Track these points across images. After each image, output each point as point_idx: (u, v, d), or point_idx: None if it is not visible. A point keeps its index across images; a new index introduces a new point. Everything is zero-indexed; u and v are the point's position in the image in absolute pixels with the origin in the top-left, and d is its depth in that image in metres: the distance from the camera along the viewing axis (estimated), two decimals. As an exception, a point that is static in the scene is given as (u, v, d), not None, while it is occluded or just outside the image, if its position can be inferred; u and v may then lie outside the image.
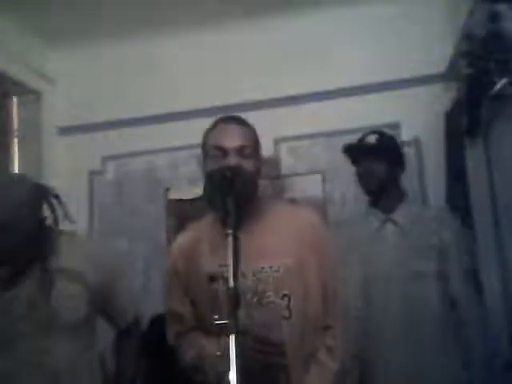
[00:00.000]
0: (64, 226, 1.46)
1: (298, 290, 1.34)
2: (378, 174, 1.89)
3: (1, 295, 1.36)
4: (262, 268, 1.32)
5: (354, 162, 2.00)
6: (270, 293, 1.31)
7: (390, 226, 1.90)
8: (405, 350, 1.76)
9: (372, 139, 1.93)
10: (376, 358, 1.80)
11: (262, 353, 1.21)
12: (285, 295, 1.32)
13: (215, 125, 1.41)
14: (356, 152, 1.98)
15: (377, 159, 1.89)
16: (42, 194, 1.41)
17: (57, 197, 1.44)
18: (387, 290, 1.81)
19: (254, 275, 1.29)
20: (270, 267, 1.33)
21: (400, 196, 1.94)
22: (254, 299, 1.29)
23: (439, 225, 1.86)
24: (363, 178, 1.94)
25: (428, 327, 1.77)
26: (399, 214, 1.89)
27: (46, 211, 1.43)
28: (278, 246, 1.35)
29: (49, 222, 1.43)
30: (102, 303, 1.50)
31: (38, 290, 1.35)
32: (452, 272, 1.79)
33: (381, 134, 1.96)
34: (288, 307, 1.32)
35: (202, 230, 1.47)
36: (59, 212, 1.43)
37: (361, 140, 1.97)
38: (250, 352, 1.15)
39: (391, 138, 2.00)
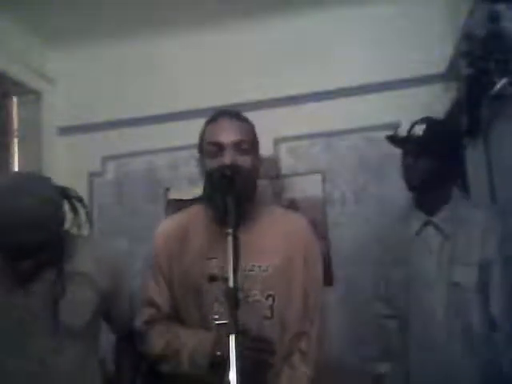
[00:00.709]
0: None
1: (283, 292, 1.35)
2: (423, 170, 1.69)
3: (18, 290, 1.35)
4: (252, 266, 1.33)
5: (402, 154, 1.79)
6: (255, 291, 1.33)
7: (430, 229, 1.72)
8: (435, 355, 1.64)
9: (420, 130, 1.71)
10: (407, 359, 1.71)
11: (254, 350, 1.21)
12: (269, 295, 1.33)
13: (211, 121, 1.41)
14: (400, 143, 1.79)
15: (423, 153, 1.68)
16: (66, 197, 1.41)
17: (81, 200, 1.44)
18: (423, 295, 1.68)
19: (242, 272, 1.27)
20: (259, 267, 1.34)
21: (446, 196, 1.74)
22: (240, 295, 1.30)
23: (485, 233, 1.65)
24: (407, 173, 1.74)
25: (463, 338, 1.62)
26: (441, 217, 1.71)
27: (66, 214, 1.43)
28: (268, 247, 1.37)
29: (68, 224, 1.43)
30: (107, 307, 1.50)
31: (52, 291, 1.35)
32: (493, 287, 1.61)
33: (431, 124, 1.72)
34: (271, 307, 1.33)
35: (188, 221, 1.46)
36: (82, 215, 1.43)
37: (408, 130, 1.75)
38: (244, 350, 1.14)
39: (443, 130, 1.77)
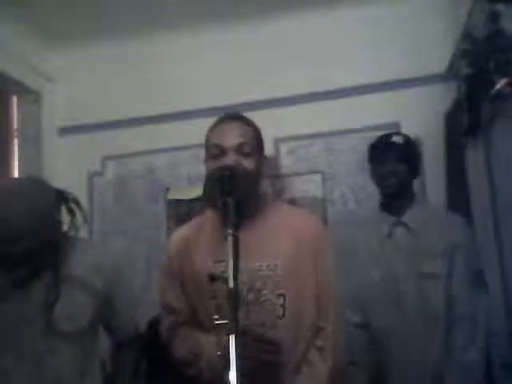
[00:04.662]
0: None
1: (294, 291, 1.34)
2: (401, 176, 1.87)
3: (13, 294, 1.35)
4: (260, 266, 1.33)
5: (376, 161, 1.96)
6: (266, 291, 1.32)
7: (399, 230, 1.88)
8: (415, 348, 1.77)
9: (399, 139, 1.92)
10: (388, 357, 1.82)
11: (260, 351, 1.21)
12: (280, 294, 1.33)
13: (215, 124, 1.42)
14: (382, 151, 1.93)
15: (402, 161, 1.87)
16: (63, 200, 1.41)
17: (77, 203, 1.44)
18: (399, 290, 1.81)
19: (251, 272, 1.30)
20: (268, 265, 1.33)
21: (410, 198, 1.92)
22: (250, 296, 1.30)
23: (449, 226, 1.86)
24: (385, 179, 1.90)
25: (435, 327, 1.77)
26: (410, 217, 1.87)
27: (64, 216, 1.43)
28: (277, 245, 1.36)
29: (65, 227, 1.43)
30: (106, 313, 1.50)
31: (47, 295, 1.35)
32: (456, 272, 1.78)
33: (405, 136, 1.96)
34: (283, 306, 1.33)
35: (201, 226, 1.47)
36: (79, 218, 1.44)
37: (387, 139, 1.94)
38: (248, 351, 1.14)
39: (413, 141, 2.00)
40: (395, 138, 1.92)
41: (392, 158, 1.88)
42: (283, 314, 1.33)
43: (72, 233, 1.44)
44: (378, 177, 1.93)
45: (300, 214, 1.52)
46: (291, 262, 1.35)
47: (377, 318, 1.84)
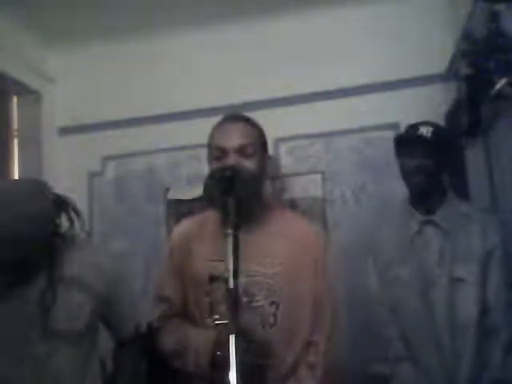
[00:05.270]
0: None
1: (289, 300, 1.34)
2: (429, 171, 1.74)
3: (10, 296, 1.35)
4: (257, 271, 1.32)
5: (402, 156, 1.83)
6: (259, 297, 1.32)
7: (430, 228, 1.77)
8: (442, 354, 1.67)
9: (427, 132, 1.76)
10: (415, 361, 1.72)
11: (250, 351, 1.21)
12: (273, 302, 1.33)
13: (218, 124, 1.41)
14: (408, 145, 1.79)
15: (430, 156, 1.73)
16: (62, 207, 1.41)
17: (76, 211, 1.44)
18: (428, 292, 1.71)
19: (248, 276, 1.29)
20: (265, 273, 1.33)
21: (442, 195, 1.80)
22: (244, 299, 1.30)
23: (485, 228, 1.73)
24: (412, 176, 1.77)
25: (465, 334, 1.66)
26: (440, 216, 1.76)
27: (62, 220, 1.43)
28: (275, 253, 1.35)
29: (63, 230, 1.43)
30: (106, 313, 1.50)
31: (44, 296, 1.35)
32: (491, 279, 1.68)
33: (434, 126, 1.80)
34: (274, 315, 1.32)
35: (202, 222, 1.47)
36: (77, 224, 1.44)
37: (413, 132, 1.80)
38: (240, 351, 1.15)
39: (443, 130, 1.84)
40: (422, 130, 1.77)
41: (419, 153, 1.75)
42: (274, 322, 1.33)
43: (73, 239, 1.44)
44: (405, 173, 1.81)
45: (303, 224, 1.51)
46: (290, 272, 1.34)
47: (404, 319, 1.74)
